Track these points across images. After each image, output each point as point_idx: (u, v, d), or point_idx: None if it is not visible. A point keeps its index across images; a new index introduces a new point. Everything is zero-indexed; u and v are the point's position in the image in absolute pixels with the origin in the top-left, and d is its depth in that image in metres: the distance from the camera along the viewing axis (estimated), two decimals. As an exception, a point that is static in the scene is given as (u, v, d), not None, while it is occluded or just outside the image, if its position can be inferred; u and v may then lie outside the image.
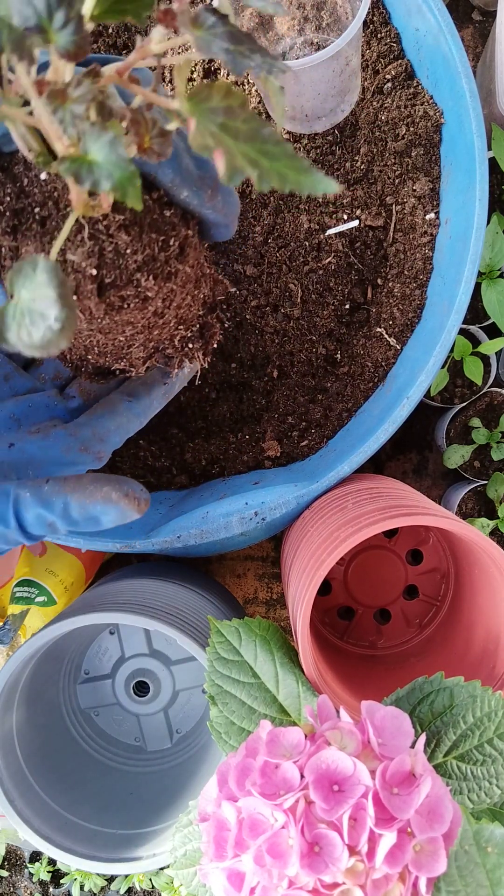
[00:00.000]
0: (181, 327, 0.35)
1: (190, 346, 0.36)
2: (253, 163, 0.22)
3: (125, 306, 0.30)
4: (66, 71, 0.24)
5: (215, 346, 0.38)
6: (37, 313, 0.21)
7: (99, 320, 0.30)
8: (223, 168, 0.22)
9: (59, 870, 0.87)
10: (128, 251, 0.29)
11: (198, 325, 0.36)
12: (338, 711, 0.37)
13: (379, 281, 0.61)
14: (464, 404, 0.73)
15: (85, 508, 0.31)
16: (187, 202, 0.30)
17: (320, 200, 0.60)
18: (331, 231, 0.59)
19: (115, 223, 0.29)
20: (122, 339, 0.31)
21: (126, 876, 0.83)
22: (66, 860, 0.53)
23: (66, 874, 0.86)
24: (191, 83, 0.61)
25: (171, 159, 0.29)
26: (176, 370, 0.38)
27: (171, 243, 0.30)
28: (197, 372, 0.39)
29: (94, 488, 0.31)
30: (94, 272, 0.28)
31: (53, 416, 0.36)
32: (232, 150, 0.22)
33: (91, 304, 0.29)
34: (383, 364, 0.59)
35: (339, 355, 0.62)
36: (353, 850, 0.31)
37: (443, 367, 0.56)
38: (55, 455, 0.33)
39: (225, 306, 0.60)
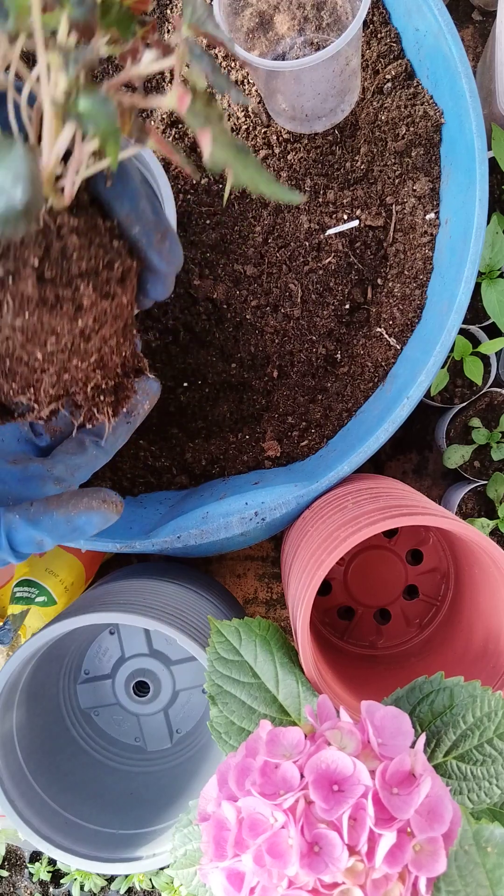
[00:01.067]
0: (98, 372, 0.35)
1: (101, 398, 0.37)
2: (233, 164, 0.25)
3: (58, 307, 0.30)
4: (72, 41, 0.25)
5: (124, 410, 0.39)
6: (4, 188, 0.22)
7: (27, 315, 0.30)
8: (208, 152, 0.24)
9: (59, 870, 0.87)
10: (74, 255, 0.29)
11: (114, 382, 0.37)
12: (338, 711, 0.37)
13: (379, 281, 0.61)
14: (464, 404, 0.73)
15: (71, 521, 0.34)
16: (137, 238, 0.32)
17: (320, 200, 0.60)
18: (331, 231, 0.59)
19: (69, 225, 0.29)
20: (39, 355, 0.32)
21: (126, 876, 0.83)
22: (66, 860, 0.53)
23: (66, 874, 0.86)
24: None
25: (129, 195, 0.31)
26: (139, 408, 0.39)
27: (116, 266, 0.31)
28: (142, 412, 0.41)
29: (76, 501, 0.35)
30: (37, 263, 0.28)
31: (25, 450, 0.38)
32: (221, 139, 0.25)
33: (27, 289, 0.29)
34: (383, 364, 0.59)
35: (339, 355, 0.62)
36: (352, 850, 0.31)
37: (443, 367, 0.56)
38: (33, 488, 0.36)
39: (225, 306, 0.60)
